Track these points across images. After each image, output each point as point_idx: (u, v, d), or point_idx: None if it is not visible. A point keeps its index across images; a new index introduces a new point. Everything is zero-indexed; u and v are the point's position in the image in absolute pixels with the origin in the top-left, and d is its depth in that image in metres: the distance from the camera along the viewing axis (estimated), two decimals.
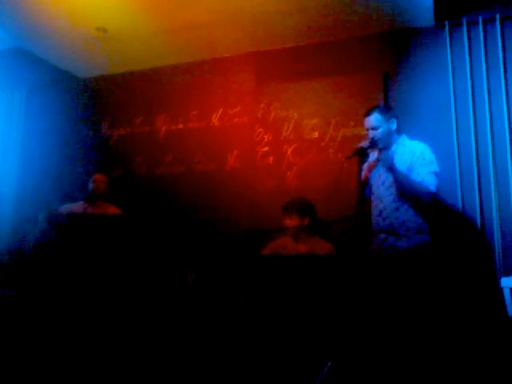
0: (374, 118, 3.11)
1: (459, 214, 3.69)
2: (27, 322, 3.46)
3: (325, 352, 2.82)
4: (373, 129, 3.10)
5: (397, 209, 3.01)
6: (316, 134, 4.22)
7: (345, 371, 2.77)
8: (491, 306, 3.32)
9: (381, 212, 3.06)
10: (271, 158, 4.34)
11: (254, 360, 2.91)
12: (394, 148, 3.12)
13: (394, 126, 3.12)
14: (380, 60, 4.11)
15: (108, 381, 2.92)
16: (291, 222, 3.57)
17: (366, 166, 3.13)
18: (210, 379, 2.90)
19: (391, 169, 2.99)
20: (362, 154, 3.11)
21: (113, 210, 4.11)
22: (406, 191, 2.97)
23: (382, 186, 3.10)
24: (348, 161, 3.16)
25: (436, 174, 2.97)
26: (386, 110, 3.21)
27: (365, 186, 3.22)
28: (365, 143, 3.11)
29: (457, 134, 3.79)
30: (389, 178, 3.05)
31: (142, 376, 2.99)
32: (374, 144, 3.09)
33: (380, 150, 3.15)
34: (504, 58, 3.75)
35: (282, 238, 3.70)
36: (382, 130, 3.09)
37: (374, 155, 3.14)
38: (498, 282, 3.24)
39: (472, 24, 3.88)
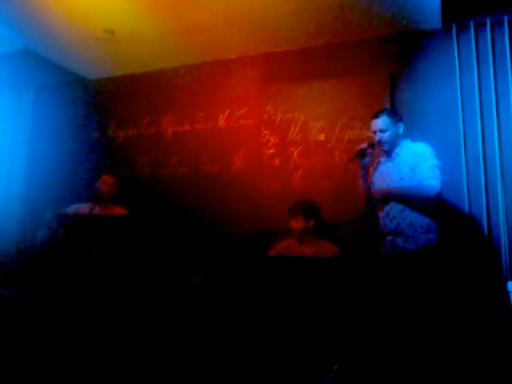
0: (382, 121, 3.14)
1: (466, 217, 3.68)
2: (31, 322, 3.48)
3: (332, 355, 2.82)
4: (380, 131, 3.14)
5: (403, 209, 3.04)
6: (322, 136, 4.22)
7: (352, 375, 2.76)
8: (497, 310, 3.30)
9: (387, 213, 3.09)
10: (277, 160, 4.34)
11: (259, 363, 2.91)
12: (397, 150, 3.17)
13: (400, 131, 3.18)
14: (387, 62, 4.10)
15: (111, 381, 2.92)
16: (296, 223, 3.57)
17: (372, 168, 3.16)
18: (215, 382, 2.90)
19: (388, 195, 3.05)
20: (363, 155, 3.14)
21: (120, 210, 4.09)
22: (412, 199, 3.00)
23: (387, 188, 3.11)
24: (352, 163, 3.20)
25: (437, 166, 3.01)
26: (394, 113, 3.25)
27: (369, 189, 3.23)
28: (364, 145, 3.18)
29: (464, 137, 3.78)
30: (393, 180, 3.07)
31: (145, 377, 2.99)
32: (373, 145, 3.13)
33: (385, 152, 3.17)
34: (511, 60, 3.73)
35: (288, 240, 3.70)
36: (389, 132, 3.14)
37: (379, 157, 3.18)
38: (504, 286, 3.23)
39: (480, 26, 3.86)
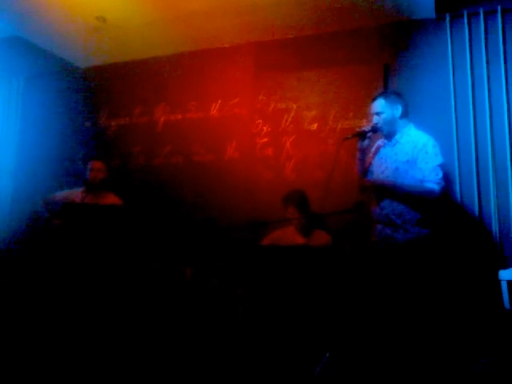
0: (378, 104, 3.10)
1: (457, 206, 3.69)
2: (23, 314, 3.47)
3: (323, 343, 2.83)
4: (376, 114, 3.10)
5: (394, 200, 2.97)
6: (315, 126, 4.21)
7: (344, 362, 2.78)
8: (488, 298, 3.32)
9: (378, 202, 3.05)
10: (270, 150, 4.33)
11: (252, 351, 2.92)
12: (397, 137, 3.09)
13: (398, 113, 3.08)
14: (380, 52, 4.09)
15: (103, 376, 2.91)
16: (294, 213, 3.58)
17: (373, 149, 3.13)
18: (209, 371, 2.90)
19: (388, 186, 2.99)
20: (363, 137, 3.10)
21: (113, 198, 4.04)
22: (408, 197, 2.94)
23: (381, 175, 3.08)
24: (344, 145, 3.17)
25: (440, 166, 2.92)
26: (392, 95, 3.17)
27: (366, 173, 3.20)
28: (367, 127, 3.12)
29: (456, 126, 3.78)
30: (388, 168, 3.03)
31: (139, 371, 2.98)
32: (375, 129, 3.09)
33: (385, 136, 3.14)
34: (504, 50, 3.72)
35: (281, 229, 3.71)
36: (385, 115, 3.08)
37: (381, 141, 3.15)
38: (496, 275, 3.24)
39: (473, 16, 3.85)
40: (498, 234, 3.58)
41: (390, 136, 3.11)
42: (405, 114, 3.10)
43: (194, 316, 3.28)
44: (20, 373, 2.91)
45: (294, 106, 4.30)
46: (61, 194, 4.05)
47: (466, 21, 3.86)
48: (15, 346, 3.18)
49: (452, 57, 3.88)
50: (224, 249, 3.82)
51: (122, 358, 3.03)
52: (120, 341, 3.16)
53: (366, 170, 3.16)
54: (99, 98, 5.01)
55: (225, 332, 3.13)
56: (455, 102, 3.82)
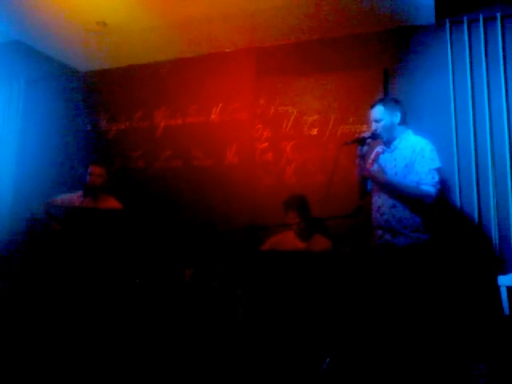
0: (377, 111, 3.10)
1: (457, 211, 3.70)
2: (22, 314, 3.47)
3: (324, 348, 2.84)
4: (375, 121, 3.10)
5: (394, 205, 2.99)
6: (315, 131, 4.22)
7: (344, 367, 2.78)
8: (488, 304, 3.32)
9: (379, 208, 3.06)
10: (270, 154, 4.33)
11: (252, 351, 2.92)
12: (396, 143, 3.10)
13: (397, 120, 3.08)
14: (381, 57, 4.10)
15: (104, 377, 2.91)
16: (295, 218, 3.57)
17: (372, 155, 3.13)
18: (209, 371, 2.90)
19: (384, 183, 3.00)
20: (362, 143, 3.10)
21: (113, 202, 4.04)
22: (405, 198, 2.96)
23: None
24: (344, 150, 3.17)
25: (437, 170, 2.92)
26: (391, 102, 3.17)
27: (366, 180, 3.21)
28: (367, 134, 3.12)
29: (456, 132, 3.79)
30: (387, 174, 3.03)
31: (140, 372, 2.98)
32: (375, 136, 3.09)
33: (384, 143, 3.14)
34: (504, 56, 3.74)
35: (281, 234, 3.71)
36: (384, 122, 3.08)
37: (380, 147, 3.15)
38: (495, 280, 3.24)
39: (473, 22, 3.87)
40: (497, 240, 3.59)
41: (389, 142, 3.12)
42: (403, 121, 3.11)
43: (195, 316, 3.28)
44: (20, 373, 2.91)
45: (295, 110, 4.31)
46: (61, 198, 4.06)
47: (465, 27, 3.88)
48: (15, 347, 3.19)
49: (452, 62, 3.89)
50: (224, 252, 3.83)
51: (123, 360, 3.03)
52: (120, 342, 3.16)
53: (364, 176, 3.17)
54: (100, 102, 5.02)
55: (225, 332, 3.14)
56: (455, 107, 3.83)
